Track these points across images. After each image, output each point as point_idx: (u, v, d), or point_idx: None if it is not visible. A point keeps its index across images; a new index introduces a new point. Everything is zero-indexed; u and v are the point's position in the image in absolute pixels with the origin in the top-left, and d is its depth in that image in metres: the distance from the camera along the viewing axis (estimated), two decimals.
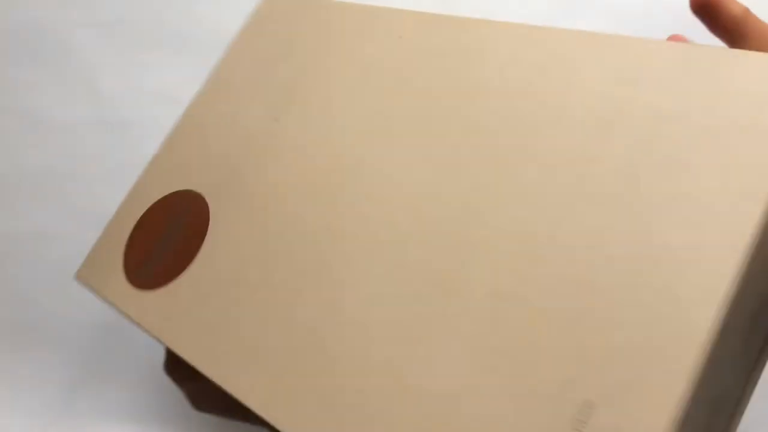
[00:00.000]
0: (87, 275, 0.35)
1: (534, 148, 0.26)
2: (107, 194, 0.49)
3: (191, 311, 0.30)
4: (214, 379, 0.28)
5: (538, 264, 0.24)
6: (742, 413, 0.25)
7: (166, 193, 0.35)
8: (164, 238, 0.34)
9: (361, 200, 0.29)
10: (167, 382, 0.46)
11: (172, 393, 0.48)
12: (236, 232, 0.31)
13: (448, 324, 0.24)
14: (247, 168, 0.33)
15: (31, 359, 0.50)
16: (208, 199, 0.34)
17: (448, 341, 0.24)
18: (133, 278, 0.33)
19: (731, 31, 0.33)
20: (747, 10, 0.32)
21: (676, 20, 0.48)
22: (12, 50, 0.48)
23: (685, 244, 0.22)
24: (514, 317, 0.23)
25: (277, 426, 0.26)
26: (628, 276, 0.22)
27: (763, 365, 0.25)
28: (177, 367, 0.34)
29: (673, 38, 0.36)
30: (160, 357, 0.47)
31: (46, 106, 0.48)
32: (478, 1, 0.47)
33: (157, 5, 0.48)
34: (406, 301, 0.25)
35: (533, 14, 0.47)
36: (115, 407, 0.50)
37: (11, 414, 0.51)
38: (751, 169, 0.22)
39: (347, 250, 0.28)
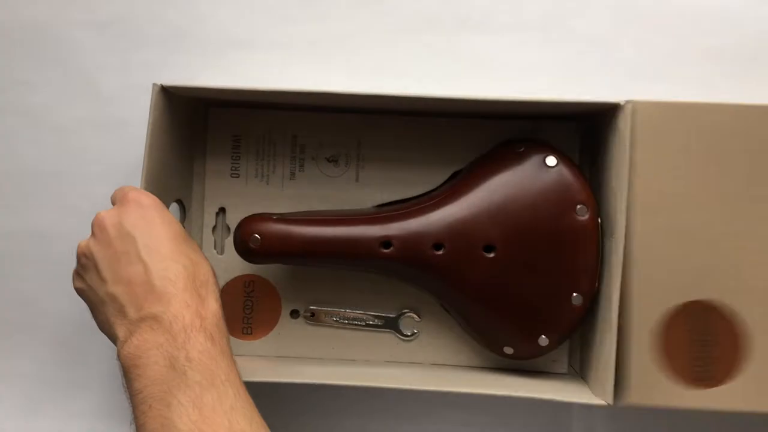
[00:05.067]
0: (639, 397, 0.41)
1: None
2: (107, 194, 0.49)
3: None
4: None
5: None
6: None
7: (665, 308, 0.41)
8: (698, 344, 0.41)
9: None
10: None
11: None
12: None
13: None
14: (725, 267, 0.40)
15: (29, 359, 0.51)
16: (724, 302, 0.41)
17: None
18: (690, 380, 0.41)
19: None
20: None
21: (685, 19, 0.47)
22: (12, 50, 0.48)
23: None
24: None
25: None
26: None
27: None
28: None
29: None
30: None
31: (46, 105, 0.48)
32: (482, 2, 0.47)
33: (158, 4, 0.47)
34: None
35: (535, 14, 0.47)
36: (114, 407, 0.50)
37: (9, 413, 0.51)
38: None
39: None
